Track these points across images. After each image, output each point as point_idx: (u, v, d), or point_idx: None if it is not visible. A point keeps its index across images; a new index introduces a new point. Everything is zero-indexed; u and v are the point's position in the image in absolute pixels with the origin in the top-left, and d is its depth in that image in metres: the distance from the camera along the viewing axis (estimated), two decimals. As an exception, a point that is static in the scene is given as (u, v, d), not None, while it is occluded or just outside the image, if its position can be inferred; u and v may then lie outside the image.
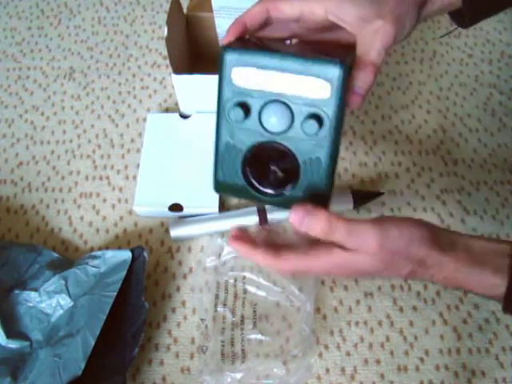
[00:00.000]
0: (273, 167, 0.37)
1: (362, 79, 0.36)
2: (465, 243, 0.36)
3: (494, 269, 0.35)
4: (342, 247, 0.35)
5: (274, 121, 0.35)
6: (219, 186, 0.39)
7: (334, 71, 0.32)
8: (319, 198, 0.36)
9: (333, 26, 0.38)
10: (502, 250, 0.35)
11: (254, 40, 0.38)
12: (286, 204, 0.38)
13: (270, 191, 0.38)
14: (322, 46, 0.40)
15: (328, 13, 0.37)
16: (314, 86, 0.33)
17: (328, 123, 0.34)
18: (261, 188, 0.38)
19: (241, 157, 0.37)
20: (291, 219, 0.35)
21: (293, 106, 0.34)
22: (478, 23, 0.43)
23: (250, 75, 0.34)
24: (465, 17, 0.42)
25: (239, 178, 0.38)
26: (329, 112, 0.34)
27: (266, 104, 0.35)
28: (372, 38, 0.36)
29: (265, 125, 0.35)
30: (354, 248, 0.35)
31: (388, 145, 0.67)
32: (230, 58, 0.34)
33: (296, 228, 0.35)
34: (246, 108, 0.35)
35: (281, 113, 0.34)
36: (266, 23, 0.39)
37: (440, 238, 0.35)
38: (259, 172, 0.38)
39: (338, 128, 0.35)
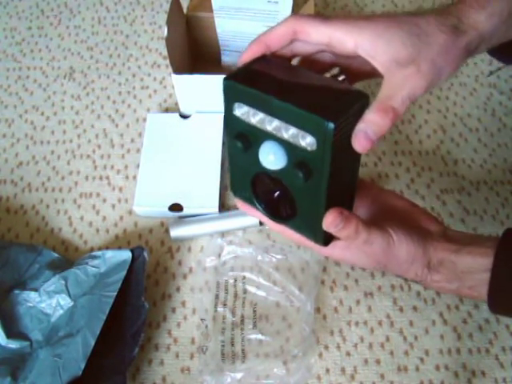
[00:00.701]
0: (274, 195, 0.38)
1: (377, 124, 0.32)
2: (451, 261, 0.38)
3: (472, 285, 0.38)
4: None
5: (271, 159, 0.34)
6: (235, 192, 0.40)
7: (321, 128, 0.30)
8: (317, 235, 0.37)
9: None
10: (482, 267, 0.37)
11: (269, 63, 0.36)
12: (291, 227, 0.38)
13: (275, 213, 0.38)
14: (334, 86, 0.36)
15: (358, 47, 0.33)
16: (302, 136, 0.32)
17: (317, 174, 0.33)
18: (268, 208, 0.38)
19: (250, 177, 0.37)
20: (326, 220, 0.34)
21: (288, 149, 0.33)
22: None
23: (248, 111, 0.33)
24: None
25: (249, 193, 0.38)
26: (316, 164, 0.32)
27: (264, 140, 0.34)
28: (400, 83, 0.32)
29: (261, 160, 0.34)
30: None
31: (388, 145, 0.67)
32: (228, 91, 0.34)
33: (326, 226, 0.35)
34: (246, 140, 0.34)
35: (277, 153, 0.33)
36: (291, 42, 0.36)
37: (431, 259, 0.38)
38: (263, 195, 0.38)
39: (329, 180, 0.33)
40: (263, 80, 0.34)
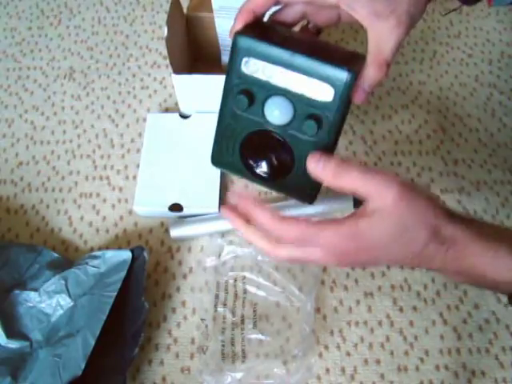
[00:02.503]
0: (269, 155, 0.38)
1: (374, 77, 0.35)
2: (479, 223, 0.35)
3: (510, 249, 0.33)
4: (353, 216, 0.34)
5: (277, 114, 0.35)
6: (216, 161, 0.40)
7: (341, 77, 0.33)
8: (307, 193, 0.38)
9: (344, 12, 0.37)
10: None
11: (266, 26, 0.38)
12: (277, 189, 0.39)
13: (263, 175, 0.39)
14: (334, 47, 0.39)
15: (340, 2, 0.35)
16: (319, 88, 0.33)
17: (327, 126, 0.35)
18: (255, 171, 0.39)
19: (240, 139, 0.38)
20: (309, 161, 0.35)
21: (296, 103, 0.35)
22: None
23: (258, 66, 0.34)
24: None
25: (236, 158, 0.39)
26: (329, 115, 0.34)
27: (270, 96, 0.35)
28: (386, 37, 0.35)
29: (267, 116, 0.36)
30: (369, 196, 0.33)
31: (388, 145, 0.67)
32: (241, 46, 0.34)
33: (311, 171, 0.35)
34: (250, 96, 0.35)
35: (284, 107, 0.35)
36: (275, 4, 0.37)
37: (454, 214, 0.34)
38: (256, 156, 0.39)
39: (336, 131, 0.35)
40: (273, 37, 0.35)
